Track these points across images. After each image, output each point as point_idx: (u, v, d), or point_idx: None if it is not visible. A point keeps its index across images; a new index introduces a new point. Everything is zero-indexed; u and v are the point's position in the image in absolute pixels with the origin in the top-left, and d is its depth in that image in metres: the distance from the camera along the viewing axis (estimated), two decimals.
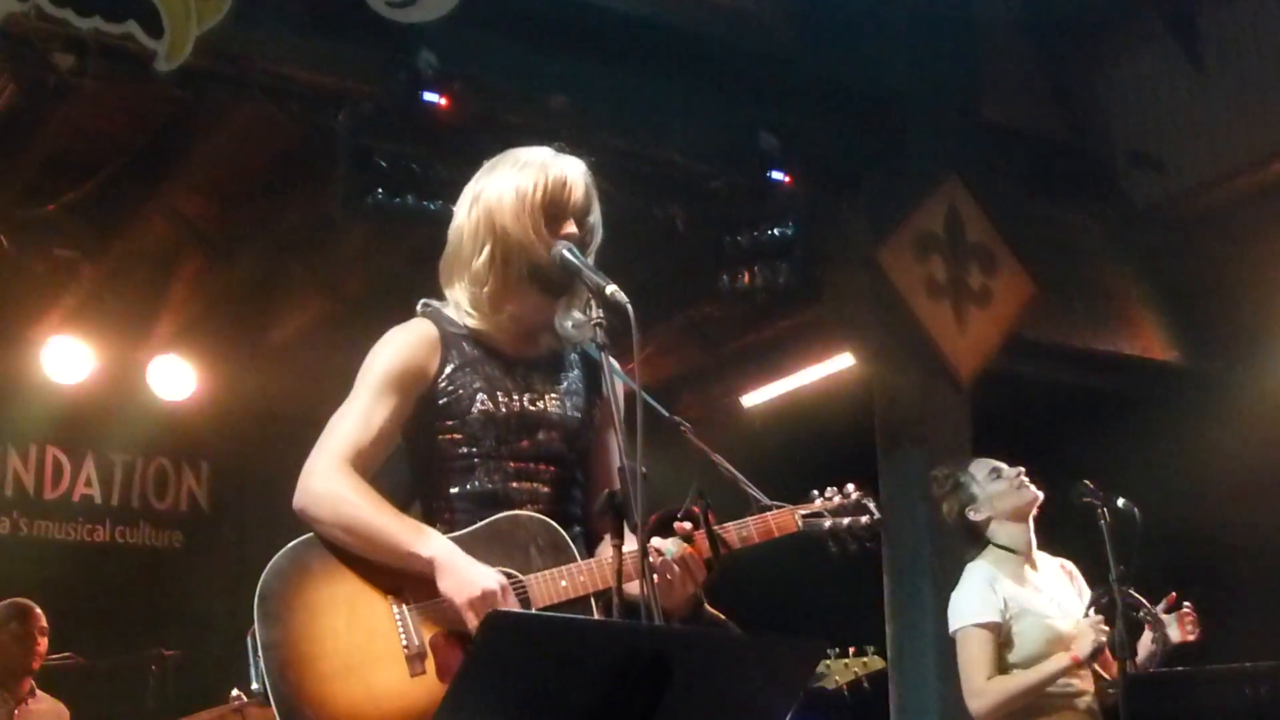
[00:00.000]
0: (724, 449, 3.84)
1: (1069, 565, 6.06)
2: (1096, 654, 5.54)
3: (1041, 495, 5.96)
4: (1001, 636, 5.71)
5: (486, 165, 3.90)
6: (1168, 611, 5.68)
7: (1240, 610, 9.66)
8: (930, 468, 8.45)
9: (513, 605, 3.49)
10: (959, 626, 5.78)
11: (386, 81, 7.28)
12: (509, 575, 3.56)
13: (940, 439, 8.96)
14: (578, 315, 3.83)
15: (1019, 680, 5.65)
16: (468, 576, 3.49)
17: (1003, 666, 5.71)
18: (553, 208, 3.73)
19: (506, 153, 3.89)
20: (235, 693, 7.43)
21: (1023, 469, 6.01)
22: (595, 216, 3.84)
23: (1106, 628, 5.51)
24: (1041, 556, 6.01)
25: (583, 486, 3.88)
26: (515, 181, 3.75)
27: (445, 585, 3.49)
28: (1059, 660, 5.59)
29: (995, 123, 9.54)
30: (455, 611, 3.49)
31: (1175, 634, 5.63)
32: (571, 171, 3.80)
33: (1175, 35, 9.50)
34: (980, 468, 6.05)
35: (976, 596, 5.78)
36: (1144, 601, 5.61)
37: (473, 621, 3.44)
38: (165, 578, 11.04)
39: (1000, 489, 5.96)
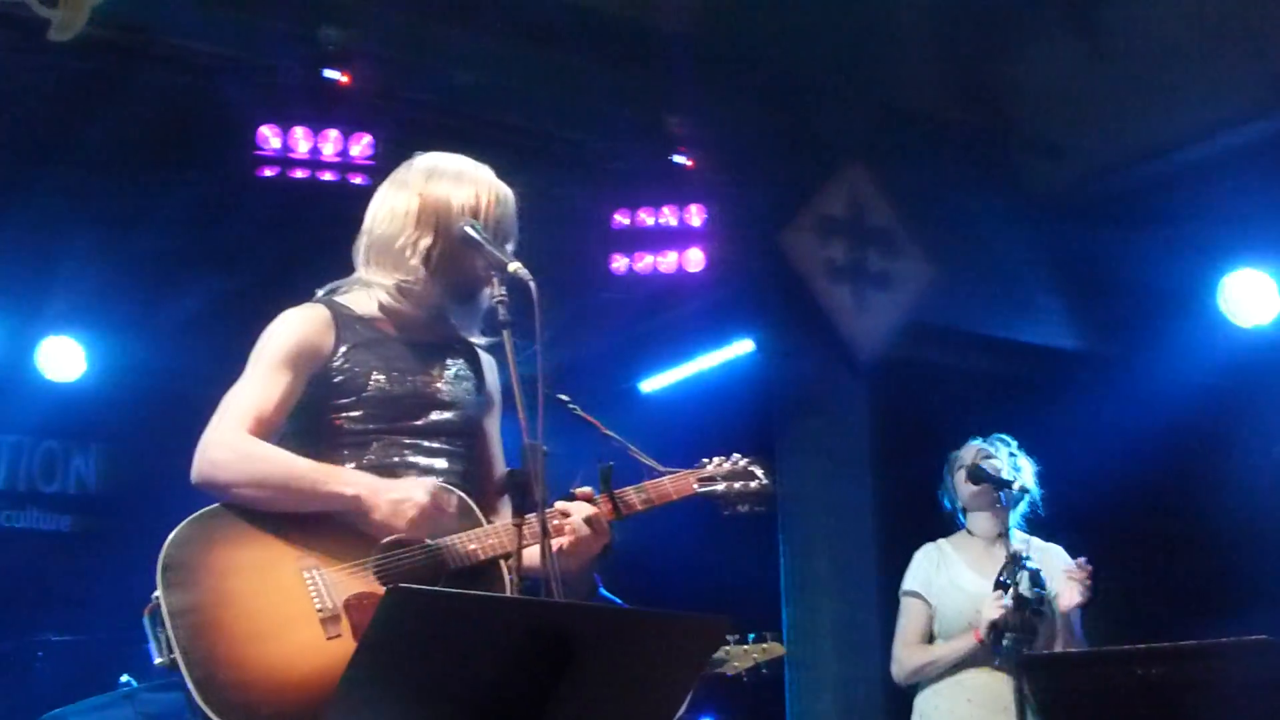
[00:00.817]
0: (623, 434, 3.89)
1: (1051, 549, 6.22)
2: (993, 630, 5.72)
3: (977, 490, 6.14)
4: (930, 609, 6.18)
5: (425, 164, 3.99)
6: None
7: (1138, 591, 9.82)
8: (828, 452, 8.64)
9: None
10: (900, 591, 6.30)
11: (288, 56, 7.20)
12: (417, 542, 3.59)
13: (840, 424, 9.01)
14: (475, 326, 3.97)
15: (928, 654, 6.11)
16: (398, 500, 3.56)
17: (932, 635, 6.18)
18: (492, 226, 3.84)
19: (443, 158, 4.00)
20: (125, 678, 7.35)
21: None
22: (514, 245, 3.94)
23: (1002, 603, 5.68)
24: (1025, 540, 6.08)
25: (478, 466, 3.96)
26: (464, 190, 3.87)
27: (380, 518, 3.55)
28: (965, 639, 5.95)
29: (897, 107, 9.59)
30: (403, 534, 3.55)
31: (1075, 597, 5.81)
32: (511, 197, 3.96)
33: (1077, 25, 9.59)
34: (963, 457, 6.30)
35: (913, 568, 6.30)
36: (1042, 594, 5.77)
37: (424, 537, 3.56)
38: (54, 563, 10.83)
39: (959, 483, 6.31)
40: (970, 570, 6.13)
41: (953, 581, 6.12)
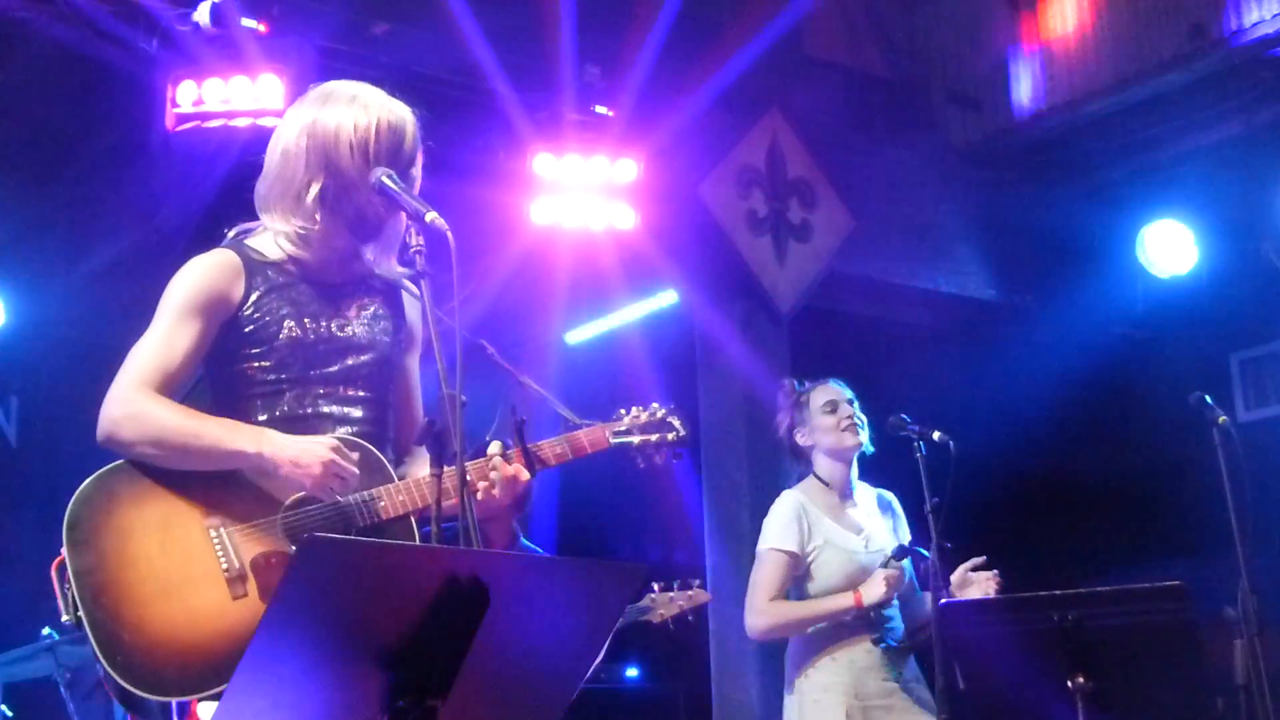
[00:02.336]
0: (546, 385, 3.87)
1: (889, 496, 6.19)
2: (881, 603, 5.69)
3: (861, 442, 6.06)
4: (800, 567, 5.92)
5: (317, 93, 3.86)
6: (974, 569, 5.84)
7: (1055, 537, 9.95)
8: (750, 401, 8.62)
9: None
10: (760, 548, 6.00)
11: (203, 3, 7.13)
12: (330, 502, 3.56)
13: (760, 373, 9.05)
14: (395, 266, 3.86)
15: (797, 608, 5.89)
16: (303, 458, 3.50)
17: (801, 593, 5.93)
18: (388, 154, 3.72)
19: (338, 85, 3.87)
20: (47, 631, 7.31)
21: (852, 415, 6.07)
22: (419, 168, 3.84)
23: (898, 579, 5.67)
24: (862, 488, 6.14)
25: (394, 410, 3.89)
26: (354, 120, 3.73)
27: (285, 474, 3.51)
28: (842, 599, 5.80)
29: (817, 58, 9.61)
30: (309, 493, 3.52)
31: (975, 593, 5.77)
32: (408, 119, 3.80)
33: None
34: (821, 395, 6.13)
35: (779, 524, 5.97)
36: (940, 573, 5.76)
37: (327, 497, 3.52)
38: None
39: (826, 425, 6.09)
40: (839, 526, 6.00)
41: (827, 538, 5.94)
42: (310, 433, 3.64)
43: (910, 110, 10.01)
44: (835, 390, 6.15)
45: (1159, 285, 10.17)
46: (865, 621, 5.79)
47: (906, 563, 5.87)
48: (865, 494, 6.17)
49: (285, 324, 3.72)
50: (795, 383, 6.29)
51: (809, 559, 5.92)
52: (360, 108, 3.75)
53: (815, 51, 9.58)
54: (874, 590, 5.75)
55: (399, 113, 3.79)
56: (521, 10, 8.22)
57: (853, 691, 5.75)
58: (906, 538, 6.05)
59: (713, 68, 8.91)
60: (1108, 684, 4.65)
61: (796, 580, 5.96)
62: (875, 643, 5.79)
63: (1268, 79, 8.91)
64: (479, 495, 3.63)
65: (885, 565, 5.80)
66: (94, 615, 3.36)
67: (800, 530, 5.93)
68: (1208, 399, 5.80)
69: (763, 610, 5.90)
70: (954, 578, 5.80)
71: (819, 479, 6.11)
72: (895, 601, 5.84)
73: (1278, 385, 10.42)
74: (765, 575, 5.92)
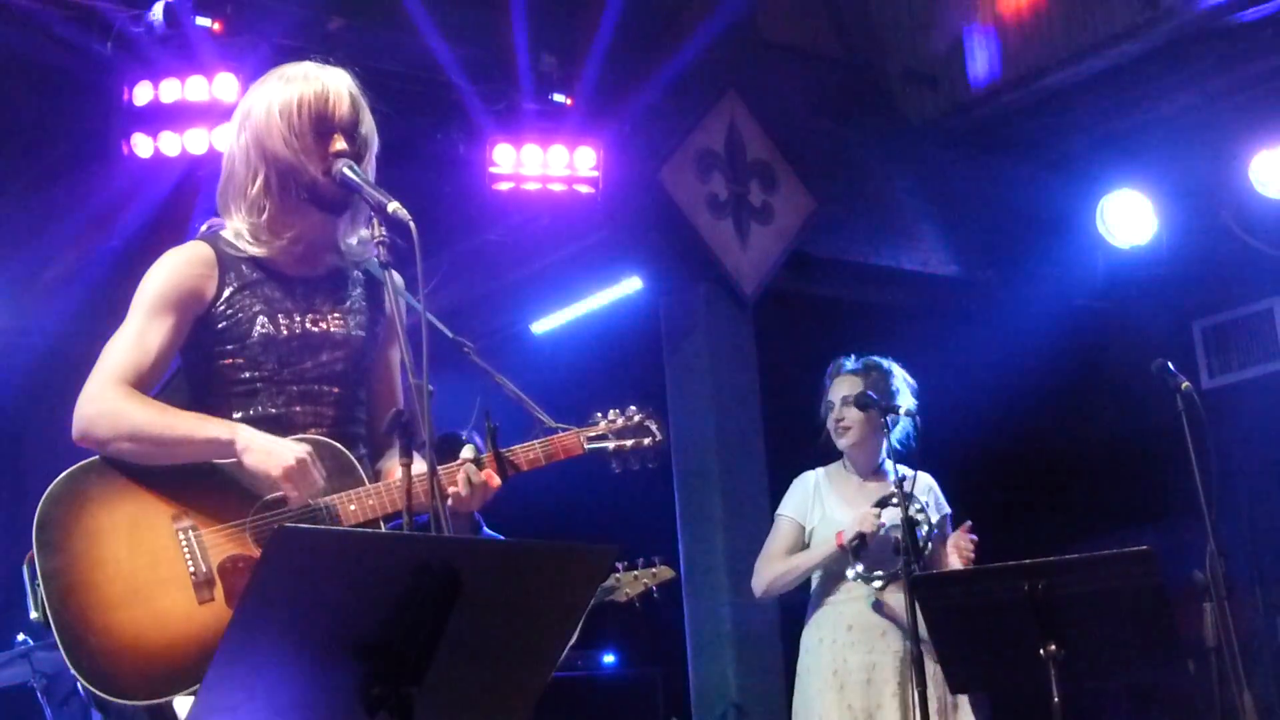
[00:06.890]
0: (515, 375, 3.85)
1: (928, 480, 6.25)
2: (859, 539, 5.80)
3: (852, 443, 6.21)
4: (806, 536, 6.16)
5: (248, 96, 3.83)
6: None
7: (1021, 510, 9.99)
8: (716, 385, 8.66)
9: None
10: (777, 513, 6.30)
11: (157, 3, 7.10)
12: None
13: (725, 356, 9.07)
14: (363, 232, 3.78)
15: (786, 563, 6.14)
16: (276, 448, 3.48)
17: None
18: (319, 124, 3.69)
19: (273, 70, 3.83)
20: (22, 638, 7.30)
21: (843, 418, 6.17)
22: (366, 127, 3.78)
23: (878, 520, 5.75)
24: (898, 472, 6.12)
25: (366, 406, 3.85)
26: (280, 101, 3.70)
27: (253, 460, 3.48)
28: (826, 545, 5.99)
29: (773, 41, 9.63)
30: (270, 484, 3.48)
31: (956, 564, 5.86)
32: (335, 84, 3.74)
33: None
34: (834, 388, 6.26)
35: (796, 495, 6.27)
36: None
37: (291, 491, 3.47)
38: None
39: (830, 421, 6.26)
40: (843, 504, 6.13)
41: (825, 514, 6.13)
42: (283, 433, 3.61)
43: (867, 89, 10.04)
44: (844, 385, 6.24)
45: (1120, 256, 10.24)
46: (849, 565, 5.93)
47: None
48: (910, 481, 6.08)
49: (258, 320, 3.69)
50: (839, 364, 6.37)
51: (809, 533, 6.17)
52: (285, 84, 3.73)
53: (770, 34, 9.59)
54: (850, 529, 5.87)
55: (324, 79, 3.74)
56: (475, 1, 8.21)
57: (841, 658, 5.95)
58: (936, 517, 6.11)
59: (669, 52, 8.91)
60: (1079, 650, 4.69)
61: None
62: (854, 578, 5.92)
63: (1220, 47, 8.96)
64: (449, 501, 3.59)
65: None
66: (61, 617, 3.37)
67: (803, 501, 6.22)
68: (1170, 366, 5.83)
69: (757, 570, 6.24)
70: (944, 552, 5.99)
71: (845, 464, 6.32)
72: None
73: (1240, 352, 10.49)
74: (771, 539, 6.25)
